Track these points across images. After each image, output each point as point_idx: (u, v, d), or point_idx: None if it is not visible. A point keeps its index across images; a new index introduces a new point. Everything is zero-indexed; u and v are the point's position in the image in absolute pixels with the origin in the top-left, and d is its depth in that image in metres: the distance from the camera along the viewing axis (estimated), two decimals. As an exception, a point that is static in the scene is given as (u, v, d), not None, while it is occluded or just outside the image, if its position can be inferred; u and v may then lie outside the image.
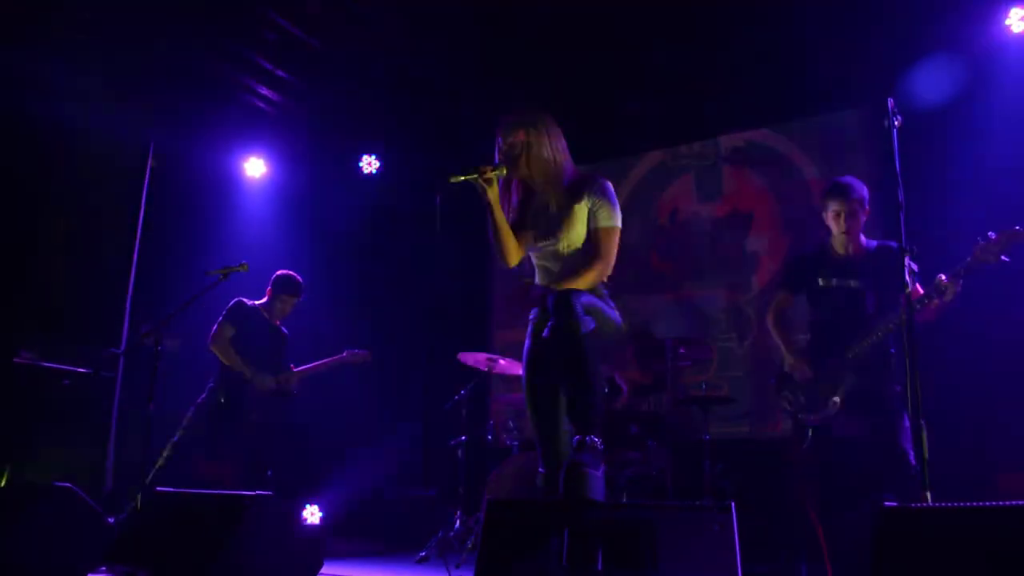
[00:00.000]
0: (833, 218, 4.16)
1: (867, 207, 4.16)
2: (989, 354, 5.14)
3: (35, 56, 5.72)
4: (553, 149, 3.26)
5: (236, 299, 5.52)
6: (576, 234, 3.23)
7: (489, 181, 3.16)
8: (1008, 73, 5.55)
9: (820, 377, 4.07)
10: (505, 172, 3.22)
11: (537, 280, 3.34)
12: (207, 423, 5.23)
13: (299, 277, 5.66)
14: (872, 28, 5.98)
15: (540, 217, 3.29)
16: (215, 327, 5.40)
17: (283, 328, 5.72)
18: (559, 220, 3.23)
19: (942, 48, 5.65)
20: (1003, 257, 3.64)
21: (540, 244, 3.29)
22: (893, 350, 4.01)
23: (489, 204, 3.20)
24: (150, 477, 4.68)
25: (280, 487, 5.11)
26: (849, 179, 4.22)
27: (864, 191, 4.16)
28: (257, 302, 5.61)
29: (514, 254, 3.32)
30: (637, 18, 6.10)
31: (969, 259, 3.68)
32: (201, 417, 5.26)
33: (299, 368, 5.66)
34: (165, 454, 5.04)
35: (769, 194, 6.81)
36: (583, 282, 3.12)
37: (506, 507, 2.81)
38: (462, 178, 3.14)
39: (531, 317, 3.28)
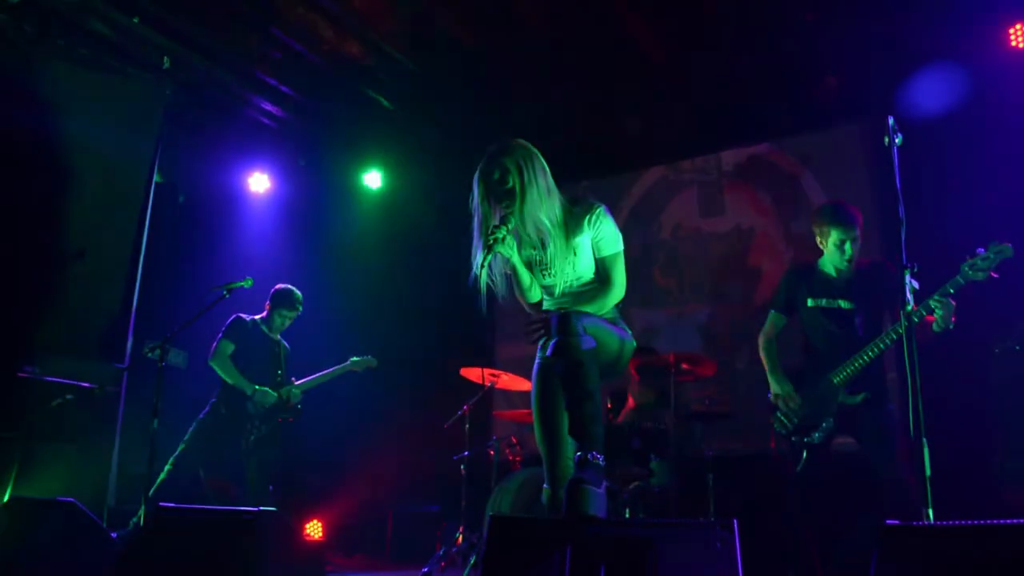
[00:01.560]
0: (836, 246, 4.11)
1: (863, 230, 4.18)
2: (991, 368, 5.14)
3: (41, 71, 5.76)
4: (544, 193, 3.17)
5: (235, 315, 5.53)
6: (584, 267, 3.26)
7: (505, 240, 3.13)
8: (1009, 88, 5.57)
9: (812, 399, 4.06)
10: (513, 224, 3.15)
11: (526, 301, 3.37)
12: (210, 439, 5.23)
13: (297, 291, 5.66)
14: (873, 44, 6.01)
15: (543, 257, 3.27)
16: (215, 344, 5.43)
17: (284, 342, 5.72)
18: (564, 259, 3.23)
19: (943, 64, 5.67)
20: (992, 274, 3.63)
21: (548, 282, 3.31)
22: (891, 372, 4.02)
23: (513, 267, 3.24)
24: (152, 492, 4.68)
25: (282, 502, 5.11)
26: (845, 205, 4.21)
27: (859, 215, 4.17)
28: (256, 316, 5.62)
29: (536, 292, 3.37)
30: (639, 34, 6.14)
31: (958, 276, 3.68)
32: (203, 433, 5.26)
33: (302, 380, 5.66)
34: (167, 469, 5.04)
35: (771, 209, 6.83)
36: (597, 308, 3.16)
37: (509, 523, 2.81)
38: (490, 256, 3.09)
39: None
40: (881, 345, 3.87)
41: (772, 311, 4.43)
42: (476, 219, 3.22)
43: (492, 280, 3.26)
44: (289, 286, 5.67)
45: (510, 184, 3.13)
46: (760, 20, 6.01)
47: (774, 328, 4.38)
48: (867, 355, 3.90)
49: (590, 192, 7.81)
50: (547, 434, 3.15)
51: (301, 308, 5.66)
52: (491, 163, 3.18)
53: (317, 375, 5.73)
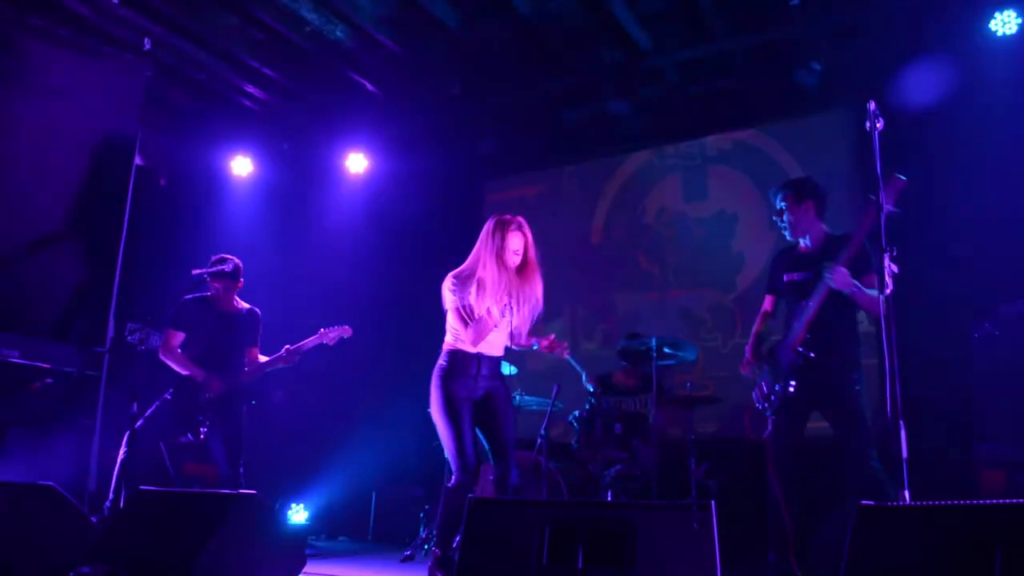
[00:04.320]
0: (778, 219, 4.32)
1: (803, 201, 4.24)
2: (970, 350, 5.18)
3: (20, 52, 5.70)
4: (538, 271, 4.03)
5: (182, 300, 5.14)
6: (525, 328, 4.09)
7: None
8: (992, 75, 5.60)
9: (773, 365, 4.12)
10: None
11: (475, 344, 4.00)
12: (167, 426, 4.99)
13: (229, 256, 5.18)
14: (859, 31, 6.03)
15: (510, 311, 3.98)
16: (163, 336, 5.10)
17: (254, 310, 5.35)
18: (523, 320, 4.02)
19: (928, 51, 5.69)
20: (889, 207, 3.71)
21: (503, 332, 4.05)
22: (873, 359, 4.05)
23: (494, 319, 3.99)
24: (116, 471, 4.56)
25: (264, 485, 5.02)
26: (786, 181, 4.39)
27: (798, 188, 4.28)
28: (207, 294, 5.22)
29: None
30: (623, 17, 6.12)
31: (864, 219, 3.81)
32: (160, 418, 4.98)
33: (264, 360, 5.24)
34: (123, 449, 4.80)
35: (755, 195, 6.83)
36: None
37: (488, 505, 2.82)
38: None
39: (448, 364, 4.08)
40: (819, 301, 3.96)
41: (765, 293, 4.53)
42: (491, 270, 3.91)
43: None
44: (221, 255, 5.18)
45: (524, 258, 3.98)
46: (746, 5, 6.00)
47: (765, 309, 4.48)
48: (810, 313, 3.96)
49: (575, 176, 7.82)
50: (460, 431, 3.90)
51: (241, 273, 5.19)
52: (515, 233, 3.95)
53: (271, 359, 5.25)
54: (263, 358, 5.27)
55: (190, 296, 5.17)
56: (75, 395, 5.38)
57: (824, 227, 4.26)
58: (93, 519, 3.96)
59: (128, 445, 4.64)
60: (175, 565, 3.10)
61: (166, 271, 6.35)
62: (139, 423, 4.86)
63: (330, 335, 5.32)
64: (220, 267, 5.09)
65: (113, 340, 5.78)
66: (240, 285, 5.26)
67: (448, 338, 4.15)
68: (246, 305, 5.37)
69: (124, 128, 6.21)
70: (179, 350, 5.08)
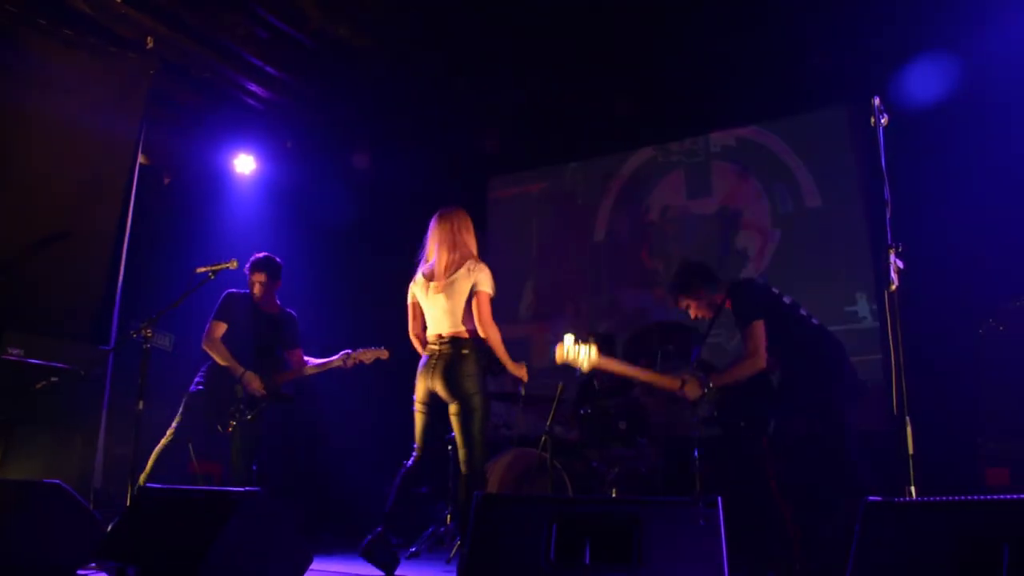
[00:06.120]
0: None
1: (692, 290, 4.63)
2: (974, 346, 5.17)
3: (25, 50, 5.70)
4: None
5: (226, 292, 5.27)
6: None
7: None
8: (999, 71, 5.58)
9: None
10: None
11: None
12: (196, 416, 5.04)
13: (273, 256, 5.37)
14: (862, 26, 6.01)
15: None
16: (207, 325, 5.19)
17: (288, 311, 5.45)
18: None
19: (932, 45, 5.68)
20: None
21: None
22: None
23: None
24: (149, 467, 4.65)
25: (270, 482, 5.03)
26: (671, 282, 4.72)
27: (681, 282, 4.66)
28: (249, 290, 5.34)
29: None
30: (629, 15, 6.11)
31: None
32: (191, 408, 5.05)
33: (318, 361, 5.37)
34: (164, 442, 4.87)
35: (759, 191, 6.83)
36: None
37: (496, 501, 2.83)
38: None
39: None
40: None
41: None
42: None
43: None
44: (266, 255, 5.37)
45: None
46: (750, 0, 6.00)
47: None
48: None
49: (579, 173, 7.81)
50: None
51: (276, 273, 5.35)
52: None
53: (315, 364, 5.37)
54: (312, 360, 5.37)
55: (234, 290, 5.26)
56: (80, 393, 5.39)
57: (714, 296, 4.56)
58: (99, 517, 3.97)
59: (135, 443, 4.70)
60: (182, 563, 3.11)
61: (170, 269, 6.36)
62: (174, 423, 4.95)
63: (352, 360, 5.31)
64: (265, 265, 5.28)
65: (118, 338, 5.80)
66: (279, 285, 5.37)
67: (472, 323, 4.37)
68: (285, 309, 5.49)
69: (128, 126, 6.22)
70: (221, 342, 5.13)
